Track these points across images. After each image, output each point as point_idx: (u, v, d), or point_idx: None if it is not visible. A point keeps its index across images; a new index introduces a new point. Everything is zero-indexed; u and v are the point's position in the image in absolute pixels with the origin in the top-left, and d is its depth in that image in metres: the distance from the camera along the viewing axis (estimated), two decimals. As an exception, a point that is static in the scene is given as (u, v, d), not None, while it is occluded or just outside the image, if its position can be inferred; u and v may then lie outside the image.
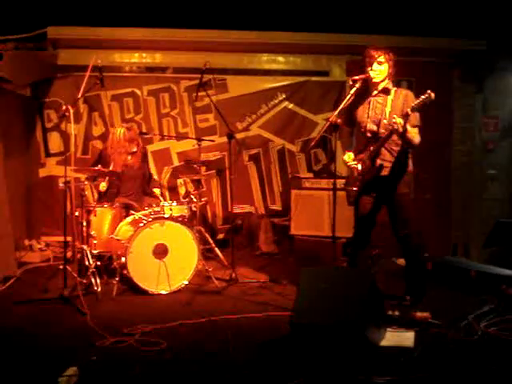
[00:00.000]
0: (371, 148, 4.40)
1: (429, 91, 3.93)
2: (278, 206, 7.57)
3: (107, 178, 5.80)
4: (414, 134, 4.27)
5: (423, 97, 3.95)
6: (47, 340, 3.81)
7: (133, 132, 6.04)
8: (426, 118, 4.43)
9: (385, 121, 4.32)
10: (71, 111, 4.83)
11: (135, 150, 5.99)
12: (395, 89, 4.46)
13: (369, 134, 4.46)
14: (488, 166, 7.39)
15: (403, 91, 4.47)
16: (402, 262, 5.24)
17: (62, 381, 2.98)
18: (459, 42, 6.96)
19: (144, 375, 3.20)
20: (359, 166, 4.49)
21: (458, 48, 7.09)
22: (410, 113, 4.05)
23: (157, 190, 6.13)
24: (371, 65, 4.35)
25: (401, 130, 4.09)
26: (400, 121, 4.05)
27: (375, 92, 4.48)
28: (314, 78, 7.47)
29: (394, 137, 4.32)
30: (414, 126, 4.26)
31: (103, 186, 5.84)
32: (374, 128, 4.41)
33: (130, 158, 5.95)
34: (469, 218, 7.37)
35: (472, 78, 7.35)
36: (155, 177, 6.83)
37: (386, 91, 4.44)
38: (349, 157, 4.56)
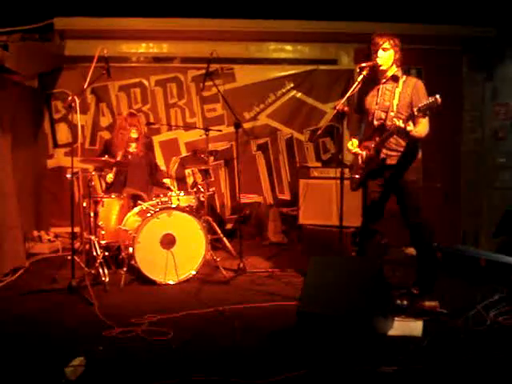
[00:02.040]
0: (377, 139, 4.33)
1: (437, 96, 3.78)
2: (286, 196, 7.55)
3: (114, 168, 5.81)
4: (421, 127, 4.15)
5: (430, 100, 3.80)
6: (55, 330, 3.82)
7: (136, 118, 6.01)
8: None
9: (392, 113, 4.25)
10: (77, 102, 4.82)
11: (136, 136, 5.96)
12: (404, 78, 4.34)
13: (376, 122, 4.38)
14: (498, 154, 7.32)
15: (413, 80, 4.36)
16: (410, 251, 5.22)
17: (68, 371, 2.99)
18: (468, 28, 6.89)
19: (151, 365, 3.21)
20: (364, 153, 4.46)
21: (466, 35, 7.02)
22: (416, 114, 3.91)
23: (167, 180, 6.13)
24: (376, 52, 4.28)
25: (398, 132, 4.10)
26: (400, 124, 4.01)
27: (384, 80, 4.41)
28: (321, 67, 7.43)
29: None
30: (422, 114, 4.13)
31: (110, 177, 5.86)
32: (383, 116, 4.33)
33: (134, 145, 5.94)
34: (479, 206, 7.31)
35: (482, 66, 7.26)
36: (163, 168, 6.80)
37: (395, 78, 4.35)
38: (352, 144, 4.52)
